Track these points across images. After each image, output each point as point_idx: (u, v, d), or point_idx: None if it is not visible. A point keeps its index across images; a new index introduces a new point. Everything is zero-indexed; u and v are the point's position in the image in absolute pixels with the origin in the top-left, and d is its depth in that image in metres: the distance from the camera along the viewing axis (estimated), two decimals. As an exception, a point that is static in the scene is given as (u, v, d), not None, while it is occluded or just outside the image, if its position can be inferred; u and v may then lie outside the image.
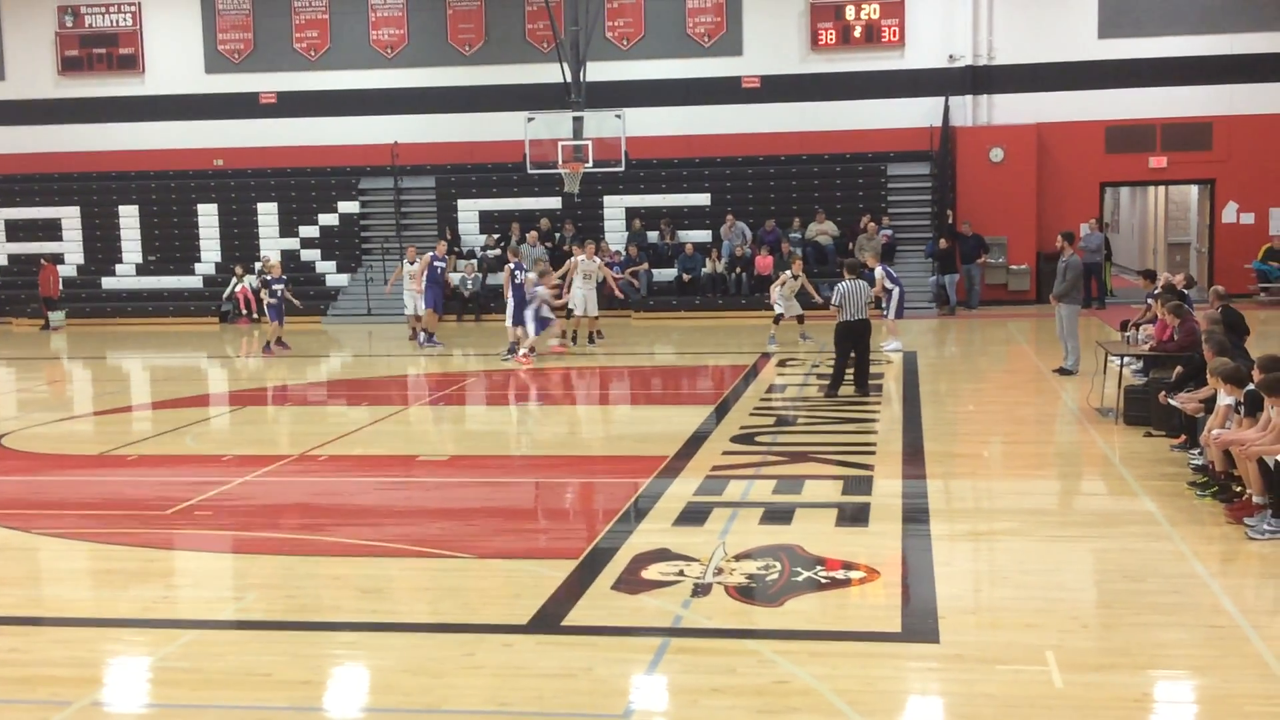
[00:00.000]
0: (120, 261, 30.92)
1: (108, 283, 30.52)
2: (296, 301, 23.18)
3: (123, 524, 10.21)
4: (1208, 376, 10.75)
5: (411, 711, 6.35)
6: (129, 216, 30.96)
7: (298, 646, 7.35)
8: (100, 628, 7.78)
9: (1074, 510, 10.77)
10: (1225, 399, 10.08)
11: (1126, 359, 14.49)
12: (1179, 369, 12.63)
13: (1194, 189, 30.24)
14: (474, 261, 28.03)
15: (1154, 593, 7.88)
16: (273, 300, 22.11)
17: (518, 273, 19.93)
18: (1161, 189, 32.33)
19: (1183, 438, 11.85)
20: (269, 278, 22.51)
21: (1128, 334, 16.20)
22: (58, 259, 30.37)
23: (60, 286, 29.53)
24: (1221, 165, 27.29)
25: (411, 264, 22.65)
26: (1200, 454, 10.76)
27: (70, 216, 31.23)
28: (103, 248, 31.13)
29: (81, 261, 31.10)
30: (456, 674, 6.80)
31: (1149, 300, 16.25)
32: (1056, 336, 17.37)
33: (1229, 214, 27.50)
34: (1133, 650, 6.91)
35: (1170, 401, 11.91)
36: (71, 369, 22.65)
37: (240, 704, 6.47)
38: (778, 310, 20.90)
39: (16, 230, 31.44)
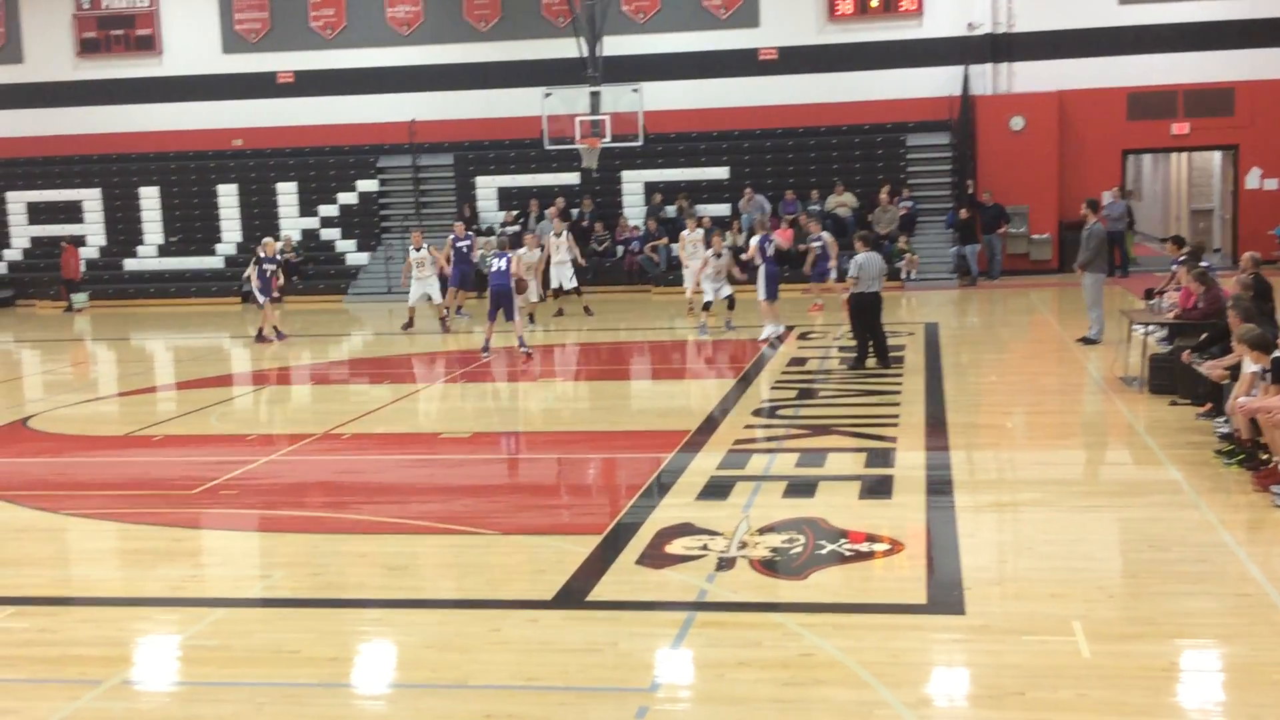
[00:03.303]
0: (141, 243, 31.02)
1: (129, 264, 30.64)
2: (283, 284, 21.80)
3: (149, 504, 10.27)
4: (1233, 343, 10.68)
5: (438, 687, 6.38)
6: (149, 198, 31.06)
7: (325, 624, 7.39)
8: (129, 607, 7.83)
9: (1099, 480, 10.74)
10: (1251, 366, 10.00)
11: (1151, 327, 14.40)
12: (1204, 334, 12.55)
13: (1217, 155, 30.00)
14: (492, 239, 27.98)
15: (1180, 562, 7.86)
16: (259, 281, 21.09)
17: (496, 261, 18.09)
18: (1184, 155, 32.09)
19: (1208, 406, 11.78)
20: (262, 255, 21.42)
21: (1152, 302, 16.11)
22: (79, 241, 30.51)
23: (82, 268, 29.68)
24: (1245, 131, 27.02)
25: (418, 250, 21.67)
26: (1226, 422, 10.71)
27: (91, 198, 31.34)
28: (124, 229, 31.23)
29: (103, 243, 31.22)
30: (483, 649, 6.83)
31: (1174, 267, 16.14)
32: (1085, 306, 17.24)
33: (1252, 180, 27.25)
34: (1160, 619, 6.89)
35: (1193, 362, 11.84)
36: (95, 350, 22.76)
37: (269, 681, 6.51)
38: (705, 297, 19.76)
39: (38, 213, 31.57)
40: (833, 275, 21.35)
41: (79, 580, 8.74)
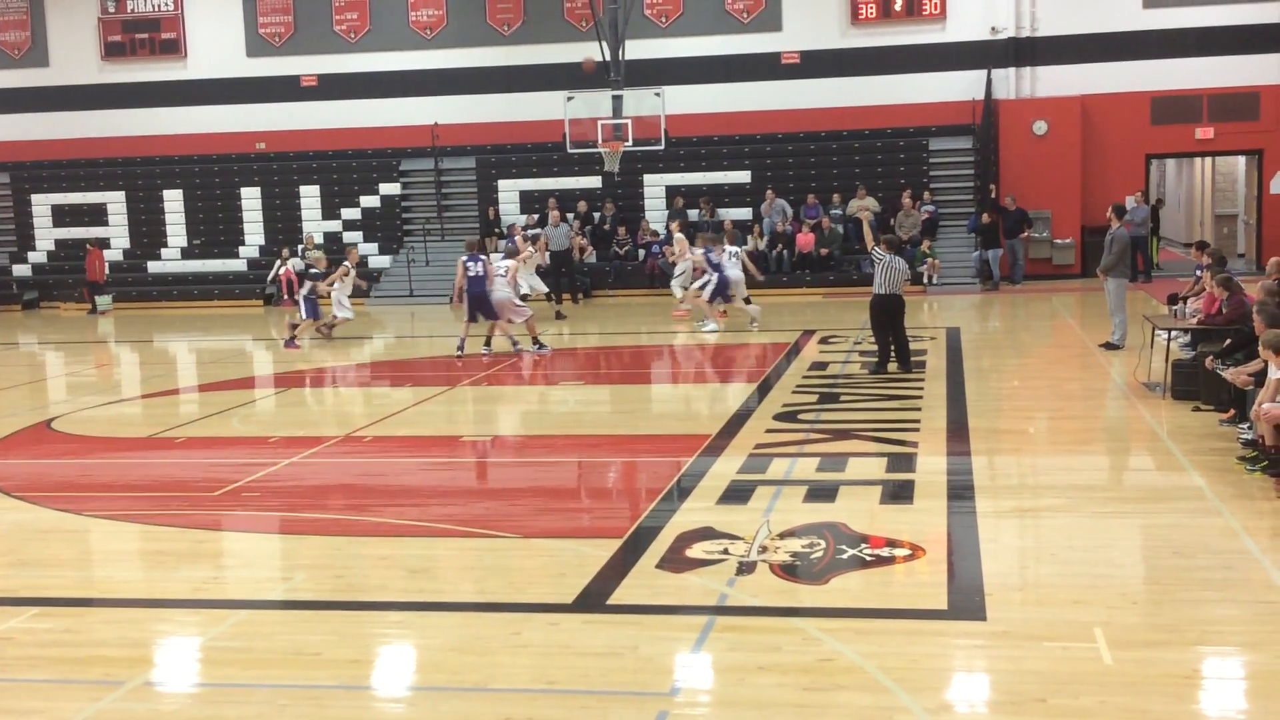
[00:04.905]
0: (165, 245, 31.22)
1: (153, 266, 30.82)
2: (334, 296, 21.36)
3: (172, 505, 10.32)
4: (1259, 349, 10.61)
5: (459, 690, 6.39)
6: (173, 200, 31.26)
7: (346, 626, 7.41)
8: (151, 608, 7.86)
9: (1121, 486, 10.68)
10: (1276, 372, 9.94)
11: (1174, 333, 14.34)
12: (1228, 340, 12.49)
13: (1241, 160, 29.85)
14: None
15: (1204, 568, 7.81)
16: (308, 294, 21.09)
17: (470, 264, 18.25)
18: (1208, 160, 31.93)
19: (1232, 412, 11.72)
20: (316, 271, 21.48)
21: (1176, 307, 16.04)
22: (104, 243, 30.67)
23: (107, 271, 29.80)
24: (1269, 135, 26.86)
25: (345, 274, 21.17)
26: (1250, 428, 10.64)
27: (115, 201, 31.54)
28: (148, 232, 31.42)
29: (127, 245, 31.42)
30: (503, 653, 6.84)
31: (1199, 272, 16.06)
32: (1108, 311, 17.18)
33: (1277, 185, 27.05)
34: (1182, 627, 6.85)
35: (1217, 368, 11.78)
36: (119, 352, 22.88)
37: (290, 683, 6.53)
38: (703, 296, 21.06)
39: (63, 215, 31.79)
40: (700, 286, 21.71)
41: (102, 581, 8.78)
